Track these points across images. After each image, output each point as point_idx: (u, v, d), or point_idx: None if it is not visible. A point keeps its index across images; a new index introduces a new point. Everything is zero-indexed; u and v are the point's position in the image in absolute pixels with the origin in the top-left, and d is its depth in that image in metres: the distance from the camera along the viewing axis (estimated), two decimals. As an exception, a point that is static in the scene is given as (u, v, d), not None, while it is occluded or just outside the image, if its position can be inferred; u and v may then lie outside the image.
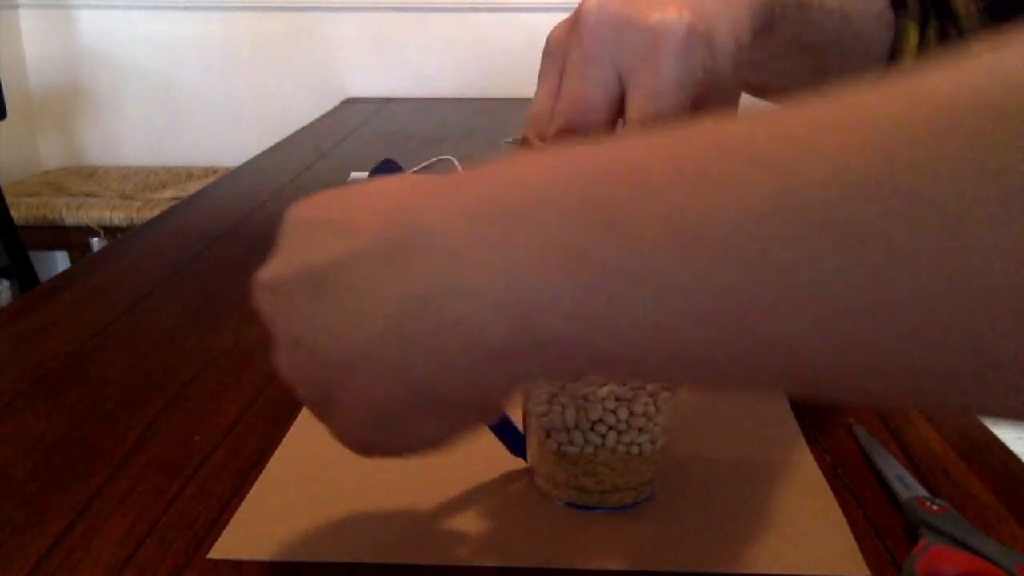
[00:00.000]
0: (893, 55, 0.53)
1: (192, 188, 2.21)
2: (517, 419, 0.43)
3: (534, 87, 0.37)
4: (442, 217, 0.25)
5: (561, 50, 0.36)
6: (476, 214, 0.25)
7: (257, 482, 0.44)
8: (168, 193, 2.25)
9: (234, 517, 0.41)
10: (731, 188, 0.21)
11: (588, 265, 0.22)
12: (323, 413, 0.30)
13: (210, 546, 0.39)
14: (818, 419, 0.51)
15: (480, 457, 0.46)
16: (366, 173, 0.95)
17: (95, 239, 2.08)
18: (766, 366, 0.22)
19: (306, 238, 0.29)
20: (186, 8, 2.48)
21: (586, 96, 0.35)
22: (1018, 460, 0.47)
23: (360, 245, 0.26)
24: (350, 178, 1.01)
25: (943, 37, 0.55)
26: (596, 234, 0.22)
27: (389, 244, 0.26)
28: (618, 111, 0.35)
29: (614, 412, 0.39)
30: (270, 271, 0.29)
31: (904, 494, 0.42)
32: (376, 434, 0.29)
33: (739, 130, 0.22)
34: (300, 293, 0.27)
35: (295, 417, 0.50)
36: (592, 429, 0.39)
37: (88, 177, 2.40)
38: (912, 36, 0.53)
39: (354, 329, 0.26)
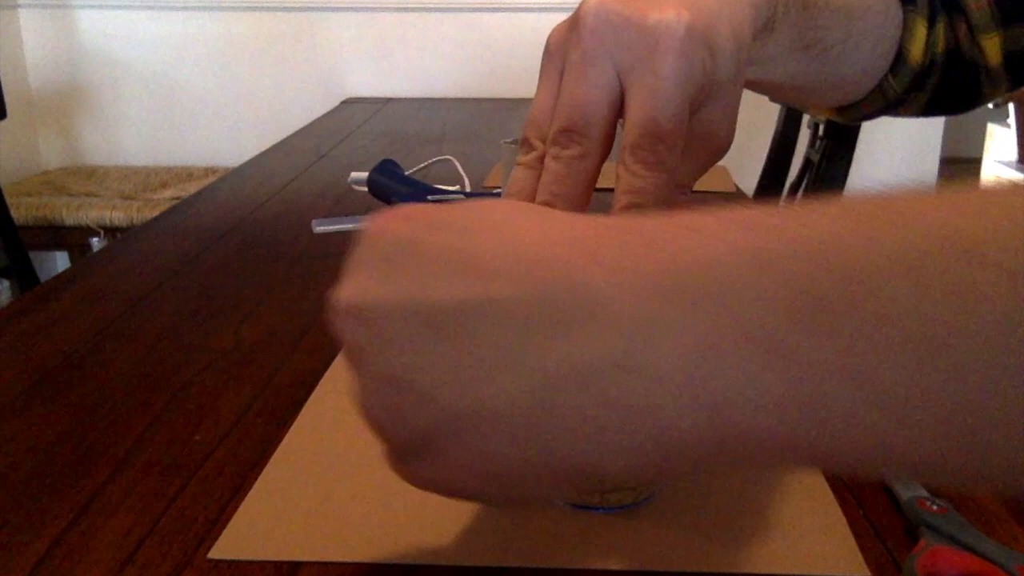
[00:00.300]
0: (900, 51, 0.53)
1: (192, 188, 2.21)
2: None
3: (534, 87, 0.37)
4: (611, 283, 0.23)
5: (561, 51, 0.36)
6: (655, 287, 0.22)
7: (257, 482, 0.44)
8: (168, 193, 2.25)
9: (234, 517, 0.41)
10: (978, 299, 0.19)
11: (797, 361, 0.20)
12: (412, 457, 0.27)
13: (210, 546, 0.39)
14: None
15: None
16: (366, 173, 0.95)
17: (95, 239, 2.08)
18: (996, 476, 0.20)
19: (414, 266, 0.26)
20: (186, 8, 2.48)
21: (586, 96, 0.35)
22: (1018, 460, 0.47)
23: (502, 295, 0.24)
24: (350, 178, 1.01)
25: (952, 32, 0.55)
26: (807, 328, 0.20)
27: (543, 303, 0.24)
28: (618, 111, 0.35)
29: (614, 412, 0.39)
30: (360, 295, 0.27)
31: (904, 494, 0.42)
32: (481, 487, 0.27)
33: (973, 227, 0.20)
34: (410, 331, 0.25)
35: (295, 417, 0.50)
36: (592, 429, 0.39)
37: (88, 177, 2.40)
38: (920, 31, 0.53)
39: (489, 385, 0.24)
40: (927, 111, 0.58)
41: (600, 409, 0.23)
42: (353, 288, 0.27)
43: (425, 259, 0.26)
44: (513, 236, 0.26)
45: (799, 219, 0.22)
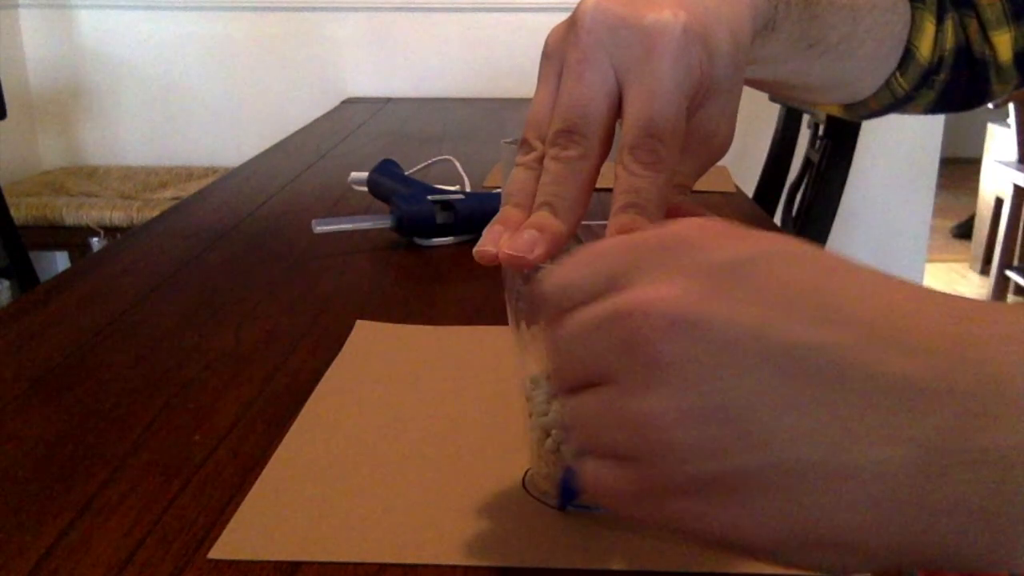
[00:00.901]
0: (909, 48, 0.53)
1: (192, 188, 2.21)
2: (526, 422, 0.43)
3: (534, 87, 0.38)
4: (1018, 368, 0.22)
5: (559, 52, 0.36)
6: None
7: (257, 482, 0.44)
8: (168, 193, 2.25)
9: (234, 517, 0.41)
10: None
11: None
12: (698, 495, 0.24)
13: (210, 546, 0.39)
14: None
15: (480, 457, 0.46)
16: (366, 173, 0.95)
17: (95, 239, 2.08)
18: None
19: (771, 295, 0.24)
20: (186, 8, 2.48)
21: (584, 97, 0.35)
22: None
23: (890, 358, 0.22)
24: (350, 178, 1.01)
25: (962, 29, 0.55)
26: None
27: (945, 378, 0.22)
28: (617, 111, 0.35)
29: (613, 412, 0.39)
30: (701, 309, 0.24)
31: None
32: (784, 544, 0.24)
33: None
34: (761, 364, 0.23)
35: (295, 417, 0.50)
36: (591, 429, 0.39)
37: (88, 177, 2.40)
38: (929, 28, 0.53)
39: (858, 447, 0.22)
40: (935, 108, 0.58)
41: (995, 500, 0.22)
42: (688, 297, 0.24)
43: (785, 290, 0.24)
44: (879, 292, 0.24)
45: None
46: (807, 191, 1.53)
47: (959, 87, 0.56)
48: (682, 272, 0.25)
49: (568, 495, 0.40)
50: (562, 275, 0.28)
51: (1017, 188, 2.64)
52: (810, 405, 0.23)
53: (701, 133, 0.37)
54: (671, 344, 0.24)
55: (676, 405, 0.24)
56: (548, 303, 0.28)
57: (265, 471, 0.45)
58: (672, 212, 0.35)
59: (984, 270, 3.25)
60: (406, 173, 0.96)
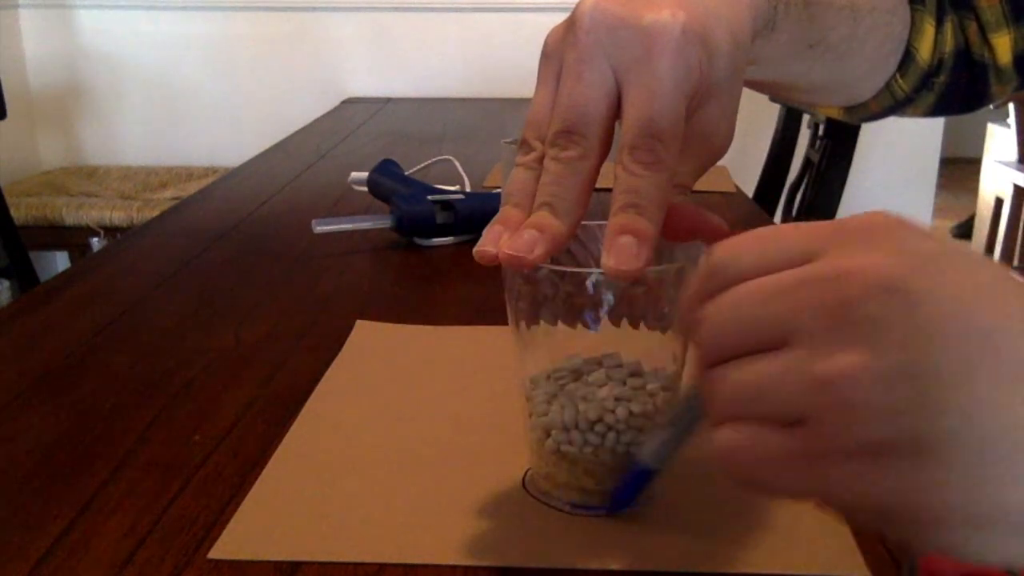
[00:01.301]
0: (909, 50, 0.53)
1: (192, 188, 2.21)
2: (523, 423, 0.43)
3: (534, 87, 0.38)
4: None
5: (558, 52, 0.36)
6: None
7: (257, 482, 0.44)
8: (168, 193, 2.25)
9: (234, 517, 0.41)
10: None
11: None
12: (869, 458, 0.25)
13: (210, 546, 0.39)
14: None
15: (480, 457, 0.46)
16: (366, 173, 0.95)
17: (95, 239, 2.08)
18: None
19: (961, 275, 0.25)
20: (186, 8, 2.48)
21: (583, 97, 0.35)
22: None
23: None
24: (350, 178, 1.01)
25: (961, 31, 0.55)
26: None
27: None
28: (616, 111, 0.35)
29: (613, 412, 0.39)
30: (910, 277, 0.25)
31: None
32: (941, 519, 0.25)
33: None
34: (960, 333, 0.24)
35: (295, 417, 0.50)
36: (592, 429, 0.39)
37: (88, 177, 2.40)
38: (929, 30, 0.53)
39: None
40: (934, 111, 0.58)
41: None
42: (901, 269, 0.25)
43: (978, 281, 0.25)
44: None
45: None
46: (807, 191, 1.54)
47: (959, 89, 0.56)
48: (890, 250, 0.26)
49: (629, 495, 0.39)
50: (741, 246, 0.28)
51: (1017, 188, 2.64)
52: (1002, 382, 0.24)
53: (701, 133, 0.37)
54: (882, 307, 0.24)
55: (873, 364, 0.24)
56: (725, 269, 0.28)
57: (265, 471, 0.45)
58: (672, 212, 0.35)
59: (984, 270, 3.24)
60: (406, 173, 0.96)
